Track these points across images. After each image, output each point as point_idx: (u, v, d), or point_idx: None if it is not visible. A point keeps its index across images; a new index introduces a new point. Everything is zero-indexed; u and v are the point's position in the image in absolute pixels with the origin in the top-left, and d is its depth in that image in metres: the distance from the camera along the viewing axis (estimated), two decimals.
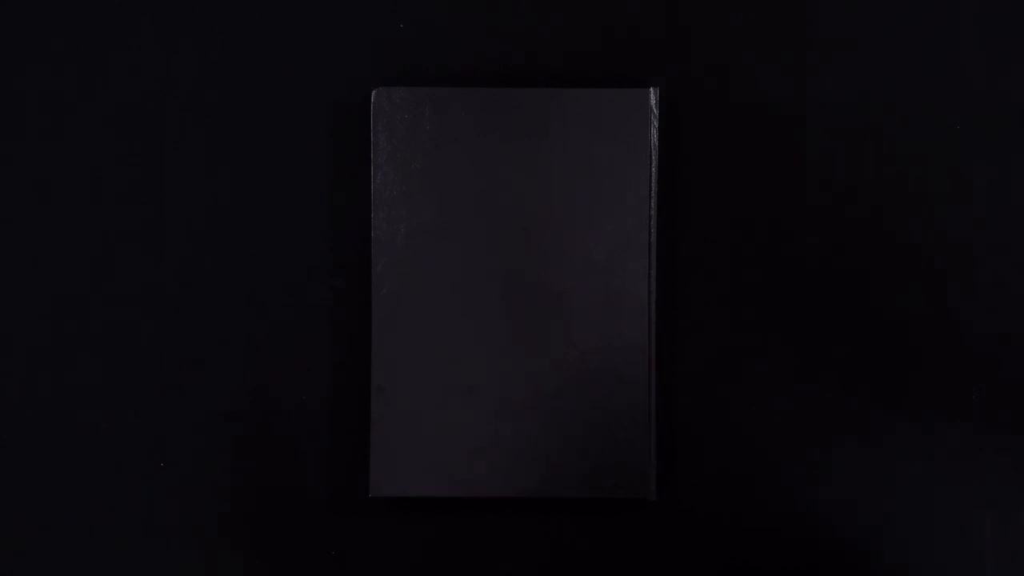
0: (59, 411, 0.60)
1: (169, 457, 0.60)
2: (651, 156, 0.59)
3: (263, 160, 0.60)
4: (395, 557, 0.60)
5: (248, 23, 0.61)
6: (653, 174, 0.59)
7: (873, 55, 0.61)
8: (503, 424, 0.58)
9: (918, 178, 0.60)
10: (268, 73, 0.60)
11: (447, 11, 0.61)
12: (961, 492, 0.60)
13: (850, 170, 0.60)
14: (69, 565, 0.60)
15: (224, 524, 0.60)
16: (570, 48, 0.61)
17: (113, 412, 0.60)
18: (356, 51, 0.61)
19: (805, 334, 0.60)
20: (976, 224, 0.60)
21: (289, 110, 0.60)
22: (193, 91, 0.61)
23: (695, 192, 0.60)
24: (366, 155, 0.60)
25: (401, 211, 0.59)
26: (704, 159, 0.60)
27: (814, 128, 0.60)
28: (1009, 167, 0.60)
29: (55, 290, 0.60)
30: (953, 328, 0.60)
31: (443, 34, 0.61)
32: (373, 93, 0.59)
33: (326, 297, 0.60)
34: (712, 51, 0.61)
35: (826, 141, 0.60)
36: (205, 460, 0.60)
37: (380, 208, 0.59)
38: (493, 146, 0.59)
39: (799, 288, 0.60)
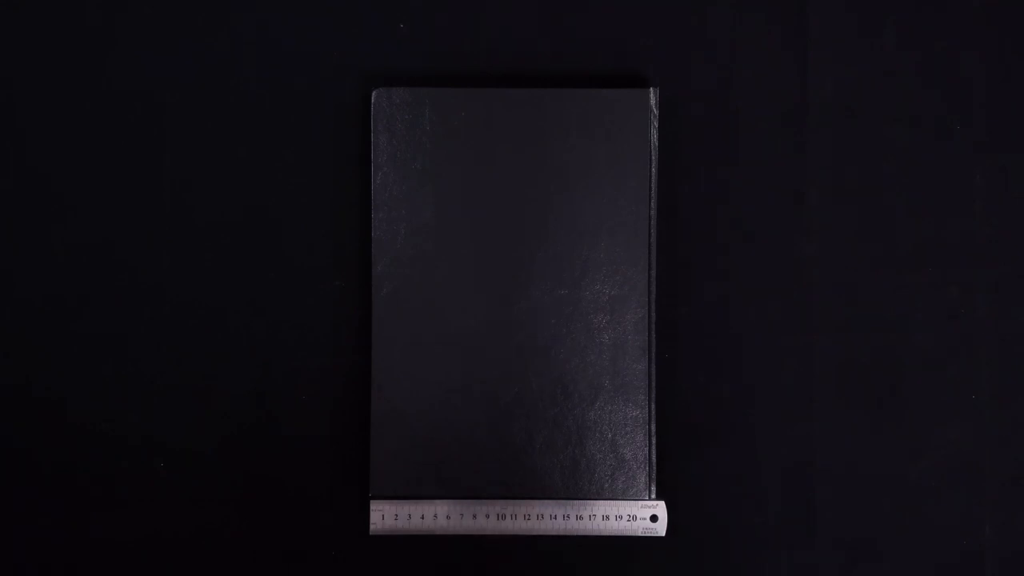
0: (59, 411, 0.60)
1: (169, 457, 0.60)
2: (651, 156, 0.59)
3: (263, 160, 0.60)
4: (395, 558, 0.60)
5: (248, 24, 0.61)
6: (653, 174, 0.59)
7: (873, 55, 0.61)
8: (503, 425, 0.58)
9: (918, 178, 0.60)
10: (268, 74, 0.61)
11: (447, 11, 0.61)
12: (961, 492, 0.60)
13: (849, 170, 0.60)
14: (69, 565, 0.60)
15: (224, 524, 0.60)
16: (570, 48, 0.61)
17: (113, 412, 0.60)
18: (356, 51, 0.61)
19: (804, 334, 0.60)
20: (976, 224, 0.60)
21: (289, 110, 0.60)
22: (193, 91, 0.61)
23: (695, 192, 0.60)
24: (366, 155, 0.60)
25: (401, 211, 0.59)
26: (704, 159, 0.60)
27: (814, 128, 0.60)
28: (1009, 167, 0.60)
29: (55, 290, 0.60)
30: (952, 328, 0.60)
31: (443, 34, 0.61)
32: (373, 93, 0.59)
33: (326, 297, 0.60)
34: (712, 51, 0.61)
35: (826, 141, 0.60)
36: (205, 460, 0.60)
37: (380, 208, 0.59)
38: (493, 146, 0.59)
39: (798, 288, 0.60)
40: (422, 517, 0.58)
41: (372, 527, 0.58)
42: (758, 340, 0.60)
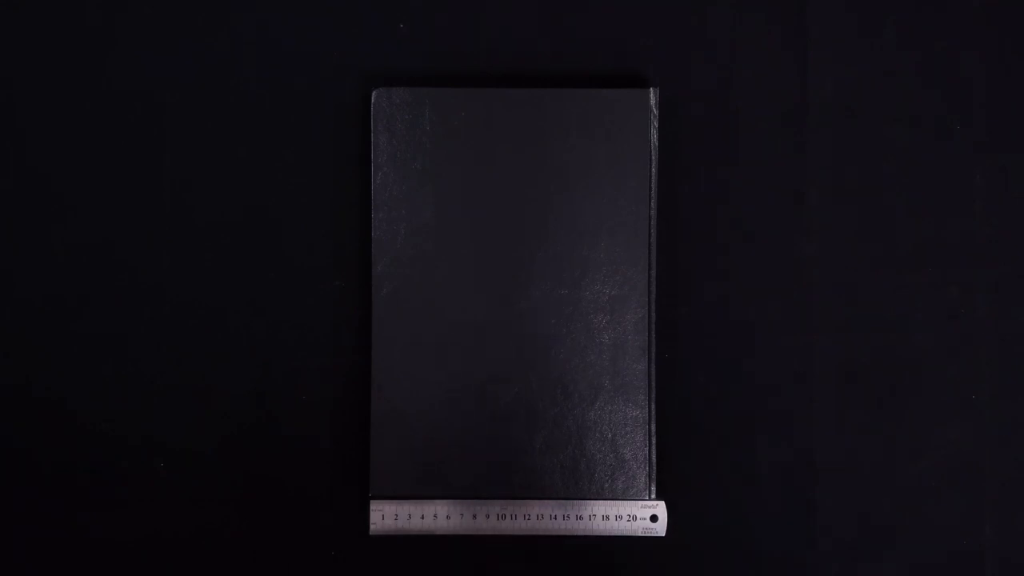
0: (59, 411, 0.60)
1: (169, 457, 0.60)
2: (651, 156, 0.59)
3: (263, 160, 0.60)
4: (395, 558, 0.60)
5: (248, 24, 0.61)
6: (653, 174, 0.59)
7: (873, 55, 0.61)
8: (502, 425, 0.58)
9: (918, 178, 0.60)
10: (268, 74, 0.60)
11: (447, 11, 0.61)
12: (961, 492, 0.60)
13: (849, 170, 0.60)
14: (69, 565, 0.60)
15: (224, 524, 0.60)
16: (570, 48, 0.61)
17: (113, 412, 0.60)
18: (356, 51, 0.61)
19: (804, 334, 0.60)
20: (976, 224, 0.60)
21: (289, 110, 0.60)
22: (193, 91, 0.61)
23: (695, 192, 0.60)
24: (366, 155, 0.60)
25: (401, 211, 0.59)
26: (704, 159, 0.60)
27: (814, 128, 0.60)
28: (1009, 167, 0.60)
29: (55, 290, 0.60)
30: (952, 328, 0.60)
31: (443, 34, 0.61)
32: (373, 93, 0.59)
33: (326, 297, 0.60)
34: (712, 51, 0.61)
35: (826, 141, 0.60)
36: (205, 460, 0.60)
37: (380, 208, 0.59)
38: (493, 146, 0.59)
39: (798, 288, 0.60)
40: (422, 517, 0.58)
41: (372, 527, 0.58)
42: (758, 340, 0.60)
